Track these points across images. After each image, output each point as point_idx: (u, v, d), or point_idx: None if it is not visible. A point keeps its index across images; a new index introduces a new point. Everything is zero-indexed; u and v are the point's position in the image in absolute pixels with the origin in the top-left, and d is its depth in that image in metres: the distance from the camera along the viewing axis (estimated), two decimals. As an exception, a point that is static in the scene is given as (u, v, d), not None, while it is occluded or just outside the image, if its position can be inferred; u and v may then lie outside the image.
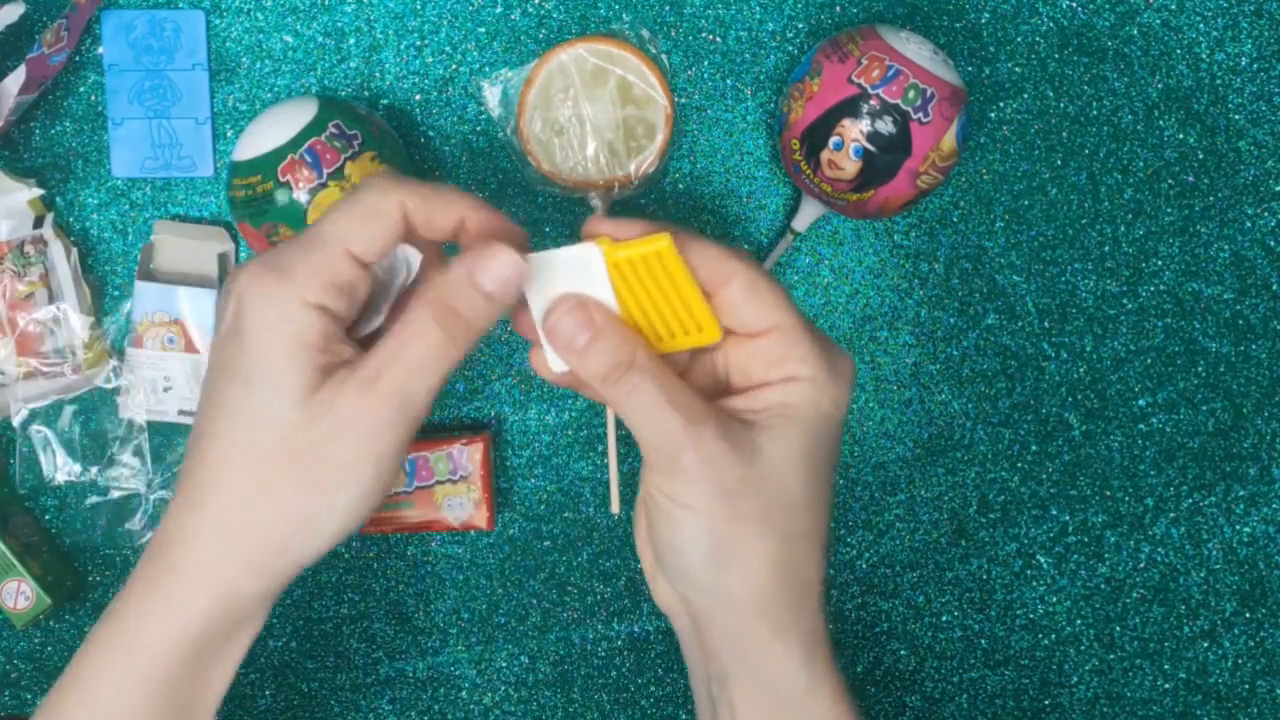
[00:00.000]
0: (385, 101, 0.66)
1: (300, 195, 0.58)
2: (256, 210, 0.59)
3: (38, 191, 0.63)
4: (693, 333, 0.45)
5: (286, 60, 0.65)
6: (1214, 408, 0.69)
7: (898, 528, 0.69)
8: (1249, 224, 0.68)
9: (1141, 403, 0.69)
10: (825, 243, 0.67)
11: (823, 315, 0.68)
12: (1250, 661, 0.70)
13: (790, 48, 0.66)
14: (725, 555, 0.43)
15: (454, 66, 0.66)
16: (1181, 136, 0.68)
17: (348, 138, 0.59)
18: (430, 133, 0.66)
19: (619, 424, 0.66)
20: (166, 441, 0.66)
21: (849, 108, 0.58)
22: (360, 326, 0.47)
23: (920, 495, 0.69)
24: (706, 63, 0.66)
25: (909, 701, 0.70)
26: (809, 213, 0.65)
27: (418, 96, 0.66)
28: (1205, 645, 0.70)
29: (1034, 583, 0.70)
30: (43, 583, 0.63)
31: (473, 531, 0.67)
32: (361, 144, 0.59)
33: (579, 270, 0.45)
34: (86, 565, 0.67)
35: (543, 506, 0.68)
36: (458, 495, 0.65)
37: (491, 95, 0.65)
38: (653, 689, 0.69)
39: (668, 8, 0.66)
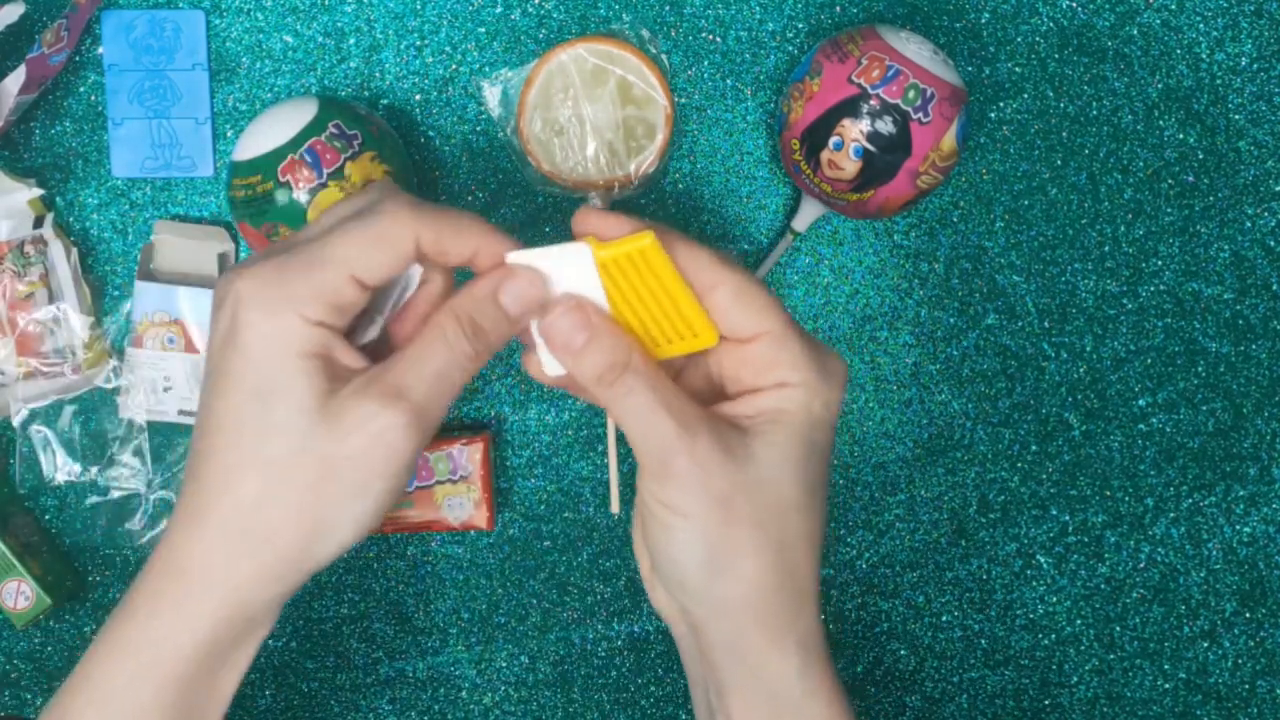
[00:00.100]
0: (385, 101, 0.66)
1: (300, 195, 0.58)
2: (256, 210, 0.59)
3: (38, 191, 0.63)
4: (688, 338, 0.45)
5: (286, 60, 0.65)
6: (1214, 408, 0.69)
7: (898, 528, 0.69)
8: (1249, 224, 0.68)
9: (1141, 403, 0.69)
10: (825, 243, 0.67)
11: (823, 315, 0.68)
12: (1250, 661, 0.70)
13: (790, 48, 0.66)
14: (720, 562, 0.43)
15: (454, 66, 0.66)
16: (1181, 136, 0.68)
17: (348, 138, 0.59)
18: (430, 133, 0.66)
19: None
20: (166, 441, 0.66)
21: (849, 108, 0.58)
22: (354, 336, 0.46)
23: (920, 495, 0.69)
24: (706, 63, 0.66)
25: (909, 701, 0.70)
26: (809, 213, 0.65)
27: (418, 96, 0.66)
28: (1205, 645, 0.70)
29: (1034, 583, 0.70)
30: (43, 583, 0.63)
31: (473, 531, 0.67)
32: (361, 144, 0.59)
33: (568, 268, 0.44)
34: (86, 565, 0.67)
35: (543, 506, 0.68)
36: (458, 495, 0.65)
37: (491, 95, 0.65)
38: (653, 689, 0.69)
39: (668, 8, 0.66)
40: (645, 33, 0.65)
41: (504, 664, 0.69)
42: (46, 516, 0.66)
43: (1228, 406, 0.69)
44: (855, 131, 0.58)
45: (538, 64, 0.62)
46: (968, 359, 0.68)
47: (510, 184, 0.66)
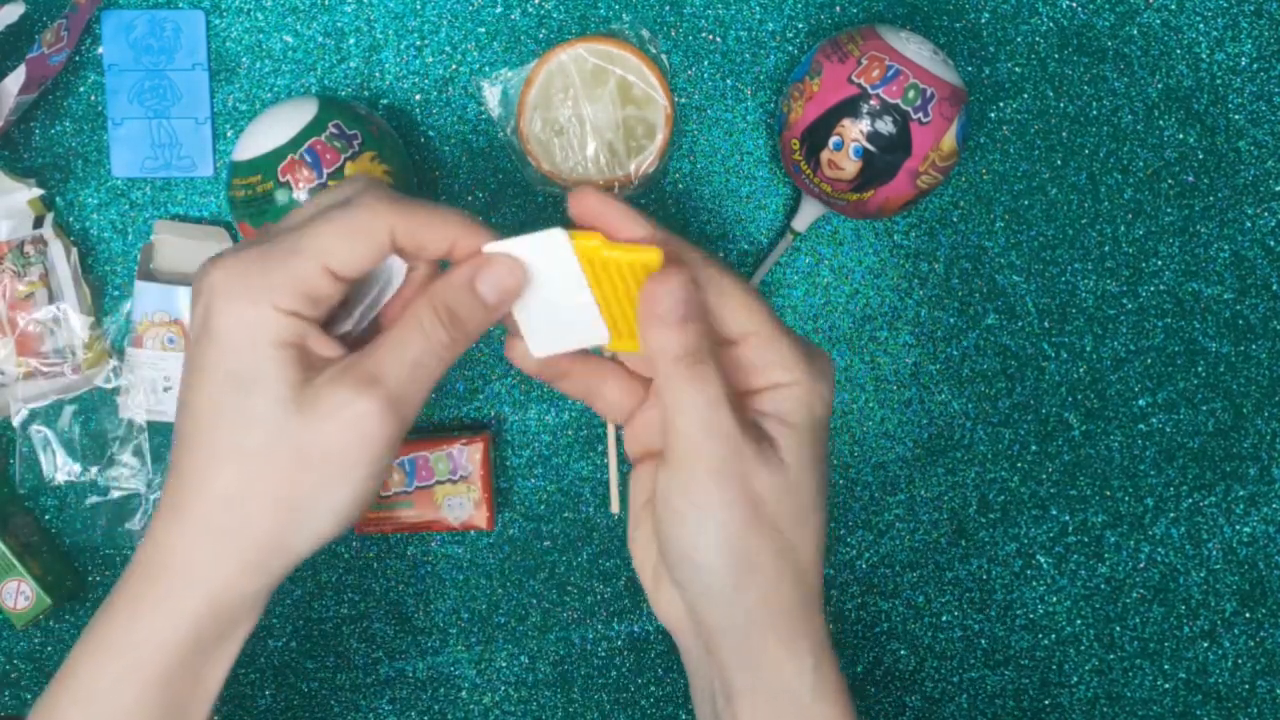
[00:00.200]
0: (385, 101, 0.66)
1: (300, 195, 0.58)
2: (256, 210, 0.59)
3: (38, 191, 0.63)
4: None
5: (286, 60, 0.65)
6: (1214, 408, 0.69)
7: (898, 528, 0.69)
8: (1249, 224, 0.68)
9: (1141, 403, 0.69)
10: (825, 243, 0.67)
11: (823, 315, 0.68)
12: (1250, 661, 0.70)
13: (790, 48, 0.66)
14: (744, 564, 0.43)
15: (454, 66, 0.66)
16: (1181, 136, 0.68)
17: (348, 138, 0.59)
18: (430, 133, 0.66)
19: (619, 426, 0.66)
20: (166, 441, 0.66)
21: (849, 108, 0.58)
22: (336, 327, 0.46)
23: (920, 495, 0.69)
24: (706, 63, 0.66)
25: (909, 701, 0.70)
26: (809, 213, 0.65)
27: (418, 96, 0.66)
28: (1205, 645, 0.70)
29: (1034, 583, 0.70)
30: (43, 583, 0.63)
31: (473, 531, 0.67)
32: (361, 144, 0.59)
33: (545, 256, 0.44)
34: (86, 565, 0.67)
35: (543, 506, 0.68)
36: (458, 495, 0.65)
37: (491, 95, 0.65)
38: (653, 689, 0.69)
39: (668, 8, 0.66)
40: (645, 33, 0.65)
41: (504, 664, 0.69)
42: (46, 516, 0.66)
43: (1228, 406, 0.69)
44: (855, 131, 0.58)
45: (538, 64, 0.62)
46: (968, 359, 0.68)
47: (510, 184, 0.66)
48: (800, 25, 0.66)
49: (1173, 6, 0.67)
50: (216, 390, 0.42)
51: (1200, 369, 0.69)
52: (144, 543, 0.44)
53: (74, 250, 0.64)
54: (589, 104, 0.62)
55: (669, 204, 0.67)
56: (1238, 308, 0.69)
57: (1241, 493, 0.70)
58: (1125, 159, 0.68)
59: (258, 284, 0.42)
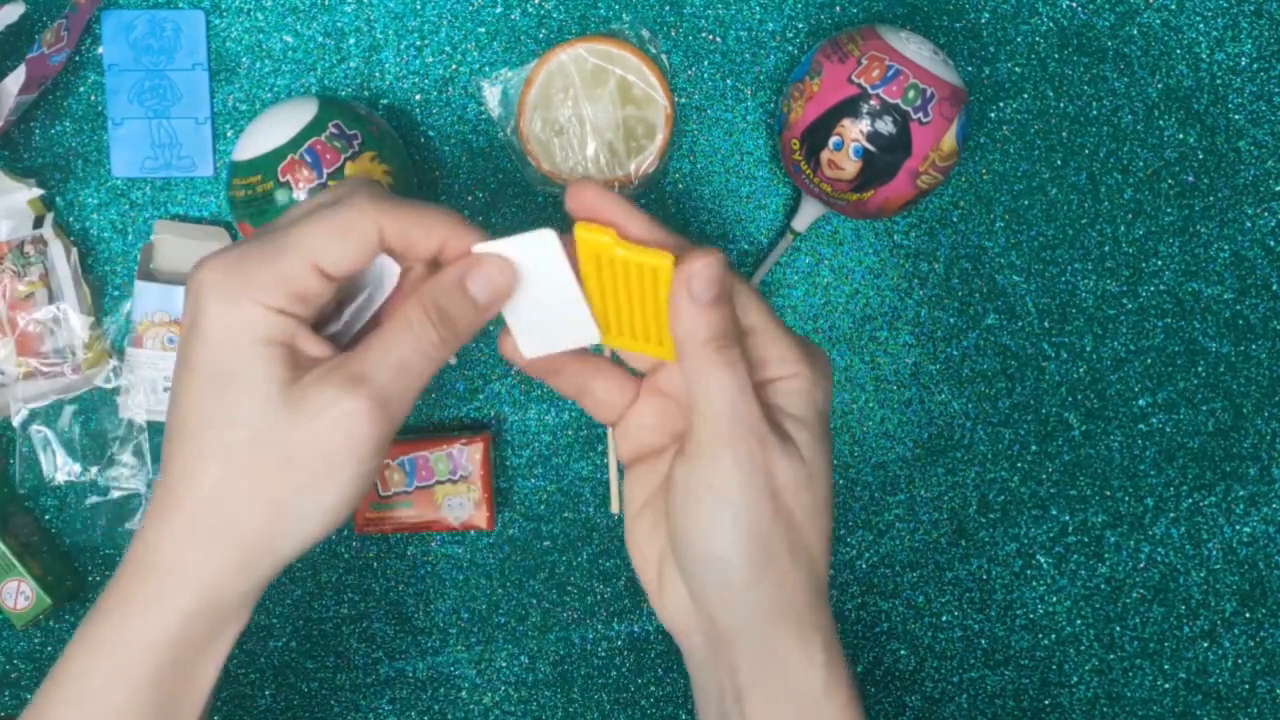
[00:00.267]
0: (385, 101, 0.66)
1: (300, 195, 0.58)
2: (256, 210, 0.59)
3: (38, 191, 0.63)
4: (651, 344, 0.45)
5: (286, 60, 0.65)
6: (1214, 408, 0.69)
7: (898, 528, 0.69)
8: (1249, 224, 0.68)
9: (1141, 403, 0.69)
10: (825, 243, 0.67)
11: (823, 315, 0.68)
12: (1250, 661, 0.70)
13: (790, 48, 0.66)
14: (762, 556, 0.42)
15: (454, 66, 0.66)
16: (1181, 136, 0.68)
17: (348, 138, 0.59)
18: (430, 133, 0.66)
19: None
20: (166, 441, 0.66)
21: (849, 108, 0.58)
22: (331, 329, 0.46)
23: (920, 495, 0.69)
24: (706, 63, 0.66)
25: (909, 701, 0.70)
26: (809, 213, 0.65)
27: (418, 96, 0.66)
28: (1205, 645, 0.70)
29: (1034, 583, 0.70)
30: (43, 583, 0.63)
31: (473, 531, 0.67)
32: (361, 144, 0.59)
33: (536, 256, 0.44)
34: (86, 565, 0.67)
35: (543, 506, 0.68)
36: (458, 495, 0.65)
37: (491, 95, 0.65)
38: (653, 689, 0.69)
39: (668, 8, 0.66)
40: (645, 33, 0.65)
41: (504, 664, 0.69)
42: (46, 516, 0.66)
43: (1228, 406, 0.69)
44: (855, 131, 0.58)
45: (538, 64, 0.62)
46: (968, 359, 0.68)
47: (510, 184, 0.66)
48: (800, 25, 0.66)
49: (1173, 6, 0.67)
50: (204, 388, 0.42)
51: (1200, 369, 0.69)
52: (134, 542, 0.44)
53: (74, 250, 0.64)
54: (589, 104, 0.62)
55: (669, 204, 0.67)
56: (1238, 308, 0.69)
57: (1241, 493, 0.70)
58: (1125, 159, 0.68)
59: (245, 282, 0.42)
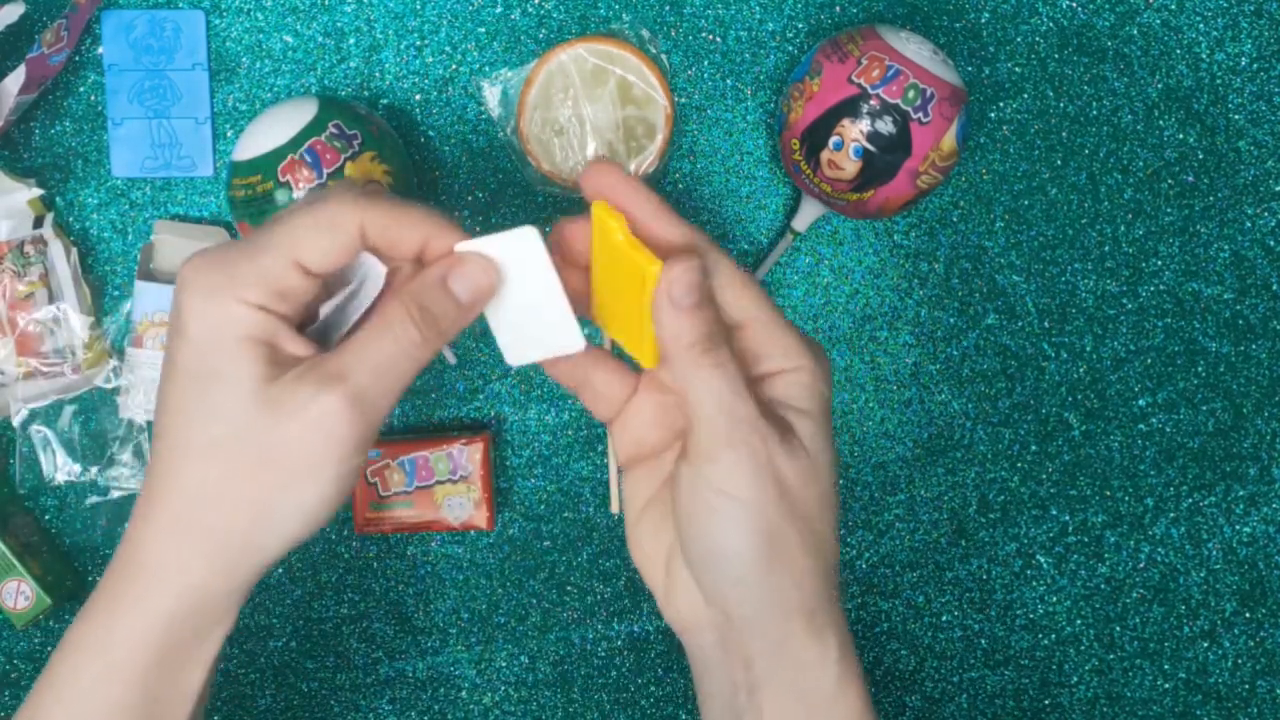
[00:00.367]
0: (385, 101, 0.66)
1: (300, 195, 0.58)
2: (256, 210, 0.59)
3: (38, 191, 0.63)
4: (633, 343, 0.44)
5: (286, 60, 0.65)
6: (1214, 408, 0.69)
7: (898, 528, 0.69)
8: (1249, 224, 0.68)
9: (1141, 403, 0.69)
10: (825, 243, 0.67)
11: (823, 315, 0.68)
12: (1250, 661, 0.70)
13: (790, 48, 0.66)
14: (776, 551, 0.42)
15: (454, 66, 0.66)
16: (1181, 136, 0.68)
17: (348, 138, 0.59)
18: (430, 133, 0.66)
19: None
20: (166, 441, 0.66)
21: (849, 108, 0.58)
22: (317, 331, 0.46)
23: (920, 495, 0.69)
24: (706, 63, 0.66)
25: (909, 701, 0.70)
26: (809, 213, 0.65)
27: (418, 96, 0.66)
28: (1205, 645, 0.70)
29: (1034, 583, 0.70)
30: (43, 583, 0.63)
31: (473, 531, 0.67)
32: (361, 144, 0.59)
33: (518, 255, 0.43)
34: (86, 565, 0.67)
35: (543, 506, 0.68)
36: (458, 495, 0.65)
37: (491, 95, 0.65)
38: (653, 689, 0.69)
39: (668, 8, 0.66)
40: (645, 33, 0.65)
41: (504, 664, 0.69)
42: (46, 516, 0.66)
43: (1228, 406, 0.69)
44: (855, 131, 0.58)
45: (538, 64, 0.62)
46: (968, 359, 0.68)
47: (510, 184, 0.66)
48: (800, 25, 0.66)
49: (1173, 6, 0.67)
50: (185, 386, 0.42)
51: (1200, 369, 0.69)
52: (122, 541, 0.44)
53: (74, 250, 0.64)
54: (589, 104, 0.62)
55: (669, 204, 0.67)
56: (1238, 308, 0.69)
57: (1241, 493, 0.70)
58: (1125, 159, 0.68)
59: (227, 279, 0.42)
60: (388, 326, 0.43)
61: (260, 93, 0.65)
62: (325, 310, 0.45)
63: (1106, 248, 0.68)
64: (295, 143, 0.58)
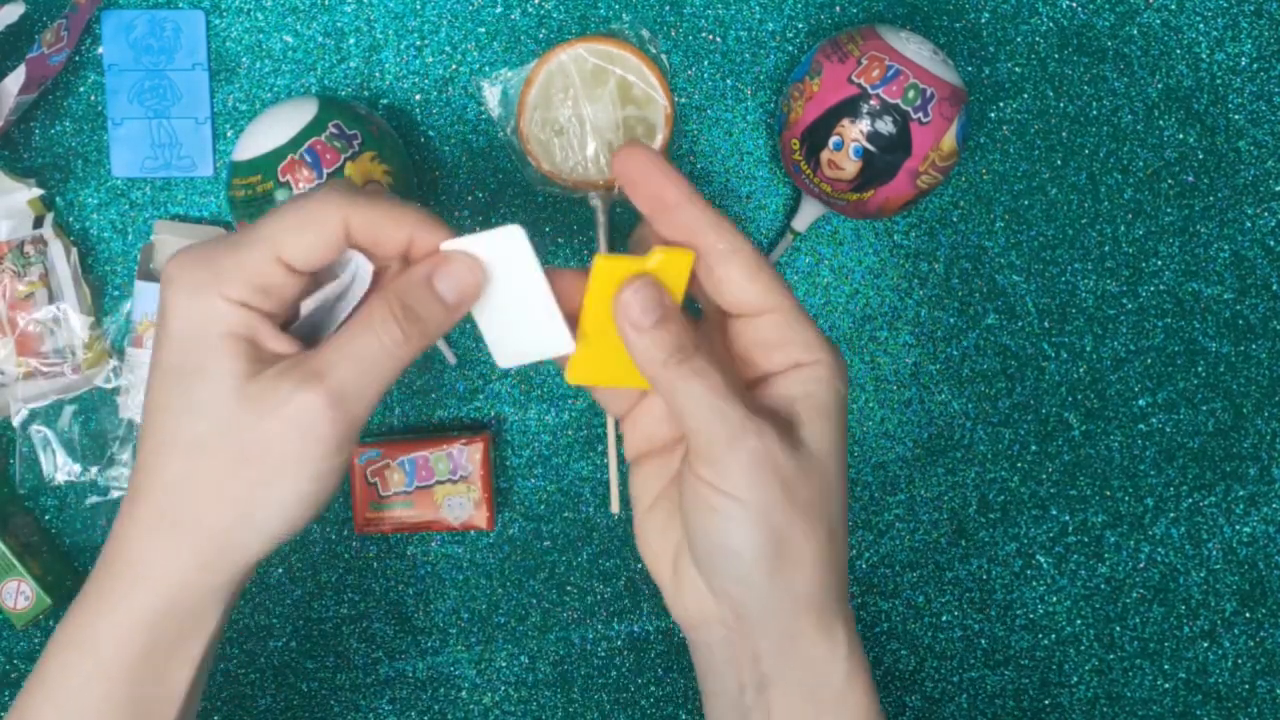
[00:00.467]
0: (385, 101, 0.66)
1: (300, 195, 0.58)
2: (256, 210, 0.59)
3: (38, 191, 0.63)
4: (628, 378, 0.44)
5: (286, 60, 0.65)
6: (1214, 408, 0.69)
7: (898, 528, 0.69)
8: (1249, 224, 0.68)
9: (1141, 403, 0.69)
10: (825, 243, 0.67)
11: (823, 315, 0.68)
12: (1250, 661, 0.70)
13: (790, 48, 0.66)
14: (783, 549, 0.42)
15: (454, 66, 0.66)
16: (1181, 136, 0.68)
17: (348, 138, 0.59)
18: (430, 133, 0.66)
19: (618, 424, 0.66)
20: (166, 441, 0.66)
21: (849, 108, 0.58)
22: (302, 328, 0.46)
23: (920, 495, 0.69)
24: (706, 63, 0.66)
25: (909, 701, 0.70)
26: (809, 213, 0.65)
27: (418, 96, 0.66)
28: (1205, 645, 0.70)
29: (1034, 583, 0.70)
30: (43, 583, 0.63)
31: (473, 531, 0.67)
32: (361, 144, 0.59)
33: (504, 255, 0.43)
34: (86, 565, 0.67)
35: (543, 506, 0.68)
36: (458, 495, 0.65)
37: (491, 95, 0.65)
38: (653, 689, 0.69)
39: (668, 8, 0.66)
40: (645, 33, 0.65)
41: (504, 664, 0.69)
42: (46, 516, 0.66)
43: (1228, 406, 0.69)
44: (855, 131, 0.58)
45: (538, 64, 0.62)
46: (968, 359, 0.68)
47: (510, 184, 0.66)
48: (800, 25, 0.66)
49: (1173, 6, 0.67)
50: (167, 381, 0.42)
51: (1200, 369, 0.69)
52: (109, 537, 0.44)
53: (74, 250, 0.64)
54: (589, 104, 0.62)
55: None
56: (1238, 308, 0.69)
57: (1241, 493, 0.70)
58: (1125, 159, 0.68)
59: (209, 275, 0.42)
60: (369, 324, 0.42)
61: (260, 93, 0.65)
62: (306, 307, 0.45)
63: (1106, 248, 0.68)
64: (295, 143, 0.58)
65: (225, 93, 0.65)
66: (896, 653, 0.70)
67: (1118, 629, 0.70)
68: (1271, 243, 0.68)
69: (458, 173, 0.66)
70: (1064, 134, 0.68)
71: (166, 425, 0.43)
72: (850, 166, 0.59)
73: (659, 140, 0.63)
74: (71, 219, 0.65)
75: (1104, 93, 0.67)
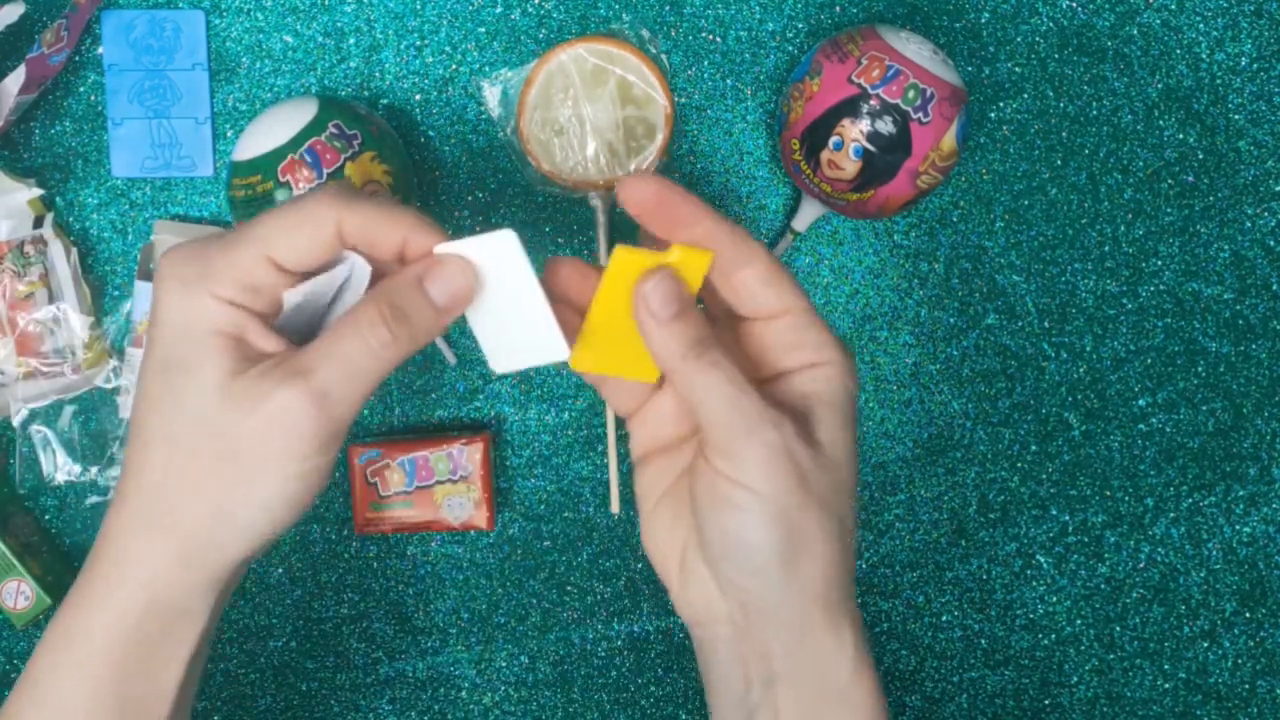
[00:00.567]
0: (385, 101, 0.66)
1: (300, 195, 0.58)
2: (256, 210, 0.59)
3: (38, 191, 0.63)
4: (632, 368, 0.44)
5: (286, 60, 0.65)
6: (1214, 408, 0.69)
7: (898, 528, 0.69)
8: (1249, 224, 0.68)
9: (1141, 403, 0.69)
10: (825, 243, 0.67)
11: (823, 315, 0.68)
12: (1250, 661, 0.70)
13: (790, 48, 0.66)
14: (797, 543, 0.42)
15: (454, 66, 0.66)
16: (1181, 136, 0.68)
17: (348, 138, 0.59)
18: (430, 133, 0.66)
19: (619, 424, 0.66)
20: (166, 441, 0.66)
21: (849, 108, 0.58)
22: (294, 326, 0.45)
23: (920, 495, 0.69)
24: (706, 63, 0.66)
25: (909, 701, 0.70)
26: (809, 213, 0.65)
27: (418, 96, 0.66)
28: (1205, 645, 0.70)
29: (1034, 583, 0.70)
30: (43, 583, 0.63)
31: (473, 531, 0.67)
32: (361, 144, 0.59)
33: (497, 259, 0.43)
34: (86, 565, 0.67)
35: (543, 506, 0.68)
36: (458, 495, 0.65)
37: (491, 95, 0.65)
38: (653, 689, 0.69)
39: (668, 8, 0.66)
40: (645, 33, 0.65)
41: (504, 664, 0.69)
42: (46, 516, 0.66)
43: (1228, 406, 0.69)
44: (855, 131, 0.58)
45: (538, 64, 0.62)
46: (968, 359, 0.68)
47: (510, 184, 0.66)
48: (800, 25, 0.66)
49: (1173, 6, 0.67)
50: (155, 377, 0.42)
51: (1200, 369, 0.69)
52: (99, 534, 0.44)
53: (74, 250, 0.64)
54: (589, 104, 0.62)
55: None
56: (1238, 308, 0.69)
57: (1241, 493, 0.70)
58: (1125, 159, 0.68)
59: (199, 272, 0.42)
60: (357, 325, 0.42)
61: (260, 93, 0.65)
62: (289, 299, 0.44)
63: (1106, 248, 0.68)
64: (295, 143, 0.58)
65: (225, 93, 0.65)
66: (896, 653, 0.70)
67: (1118, 629, 0.70)
68: (1271, 243, 0.68)
69: (458, 173, 0.66)
70: (1064, 134, 0.68)
71: (152, 421, 0.43)
72: (850, 166, 0.59)
73: (659, 140, 0.63)
74: (71, 219, 0.65)
75: (1104, 93, 0.67)
